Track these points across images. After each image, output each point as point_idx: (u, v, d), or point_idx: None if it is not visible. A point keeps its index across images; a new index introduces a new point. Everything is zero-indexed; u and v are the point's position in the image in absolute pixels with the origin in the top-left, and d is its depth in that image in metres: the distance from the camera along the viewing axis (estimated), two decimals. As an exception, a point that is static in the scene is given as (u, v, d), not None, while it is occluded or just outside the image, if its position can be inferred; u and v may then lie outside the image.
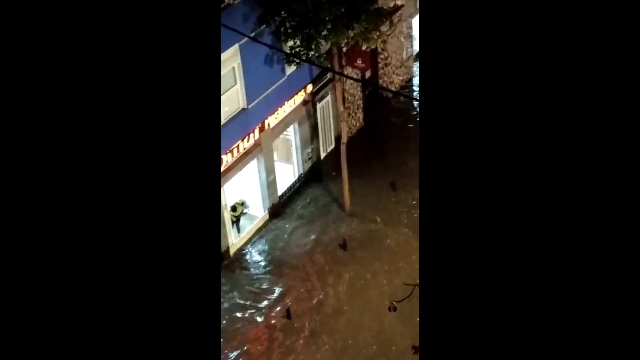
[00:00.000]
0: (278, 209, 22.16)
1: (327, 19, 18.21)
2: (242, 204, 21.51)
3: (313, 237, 21.27)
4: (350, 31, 18.70)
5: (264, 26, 18.85)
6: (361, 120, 25.27)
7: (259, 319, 18.76)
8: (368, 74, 24.97)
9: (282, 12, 18.50)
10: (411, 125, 25.16)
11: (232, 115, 19.29)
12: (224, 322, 18.63)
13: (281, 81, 20.56)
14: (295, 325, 18.49)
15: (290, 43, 18.98)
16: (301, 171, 23.12)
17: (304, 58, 18.80)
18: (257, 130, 20.25)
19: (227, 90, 18.96)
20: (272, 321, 18.66)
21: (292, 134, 22.54)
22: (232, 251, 20.74)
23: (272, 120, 20.77)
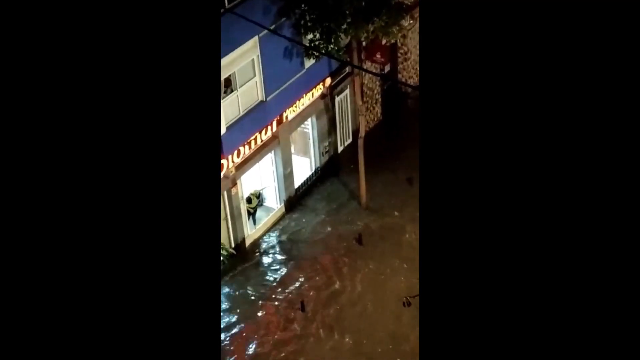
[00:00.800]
0: (294, 201, 22.16)
1: (348, 12, 18.17)
2: (258, 195, 21.52)
3: (329, 230, 21.26)
4: (370, 25, 18.63)
5: (284, 19, 18.83)
6: (379, 114, 25.21)
7: (273, 311, 18.78)
8: (387, 68, 24.90)
9: (303, 5, 18.47)
10: (429, 121, 25.04)
11: (251, 107, 19.29)
12: (237, 314, 18.69)
13: (300, 74, 20.53)
14: (309, 319, 18.49)
15: (310, 36, 18.95)
16: (318, 164, 23.10)
17: (323, 51, 18.76)
18: (275, 123, 20.25)
19: (246, 82, 18.97)
20: (286, 314, 18.67)
21: (309, 127, 22.52)
22: (247, 243, 20.78)
23: (290, 113, 20.76)
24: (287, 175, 21.68)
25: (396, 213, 21.53)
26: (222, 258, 19.63)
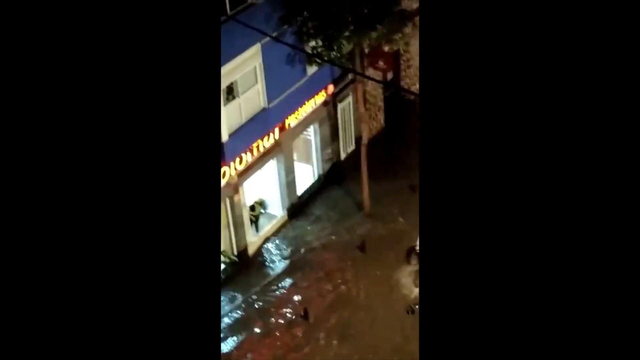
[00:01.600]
0: (297, 209, 22.15)
1: (350, 20, 18.18)
2: (261, 203, 21.52)
3: (332, 237, 21.24)
4: (372, 32, 18.65)
5: (286, 26, 18.85)
6: (382, 121, 25.21)
7: (275, 319, 18.73)
8: (390, 75, 24.90)
9: (305, 13, 18.49)
10: (432, 128, 25.06)
11: (253, 114, 19.30)
12: (239, 320, 18.65)
13: (302, 81, 20.55)
14: (312, 327, 18.44)
15: (312, 43, 18.97)
16: (321, 172, 23.09)
17: (325, 58, 18.78)
18: (277, 130, 20.25)
19: (248, 90, 18.98)
20: (289, 321, 18.63)
21: (312, 134, 22.53)
22: (250, 250, 20.76)
23: (292, 120, 20.76)
24: (290, 183, 21.68)
25: (400, 219, 21.49)
26: (224, 265, 19.63)
